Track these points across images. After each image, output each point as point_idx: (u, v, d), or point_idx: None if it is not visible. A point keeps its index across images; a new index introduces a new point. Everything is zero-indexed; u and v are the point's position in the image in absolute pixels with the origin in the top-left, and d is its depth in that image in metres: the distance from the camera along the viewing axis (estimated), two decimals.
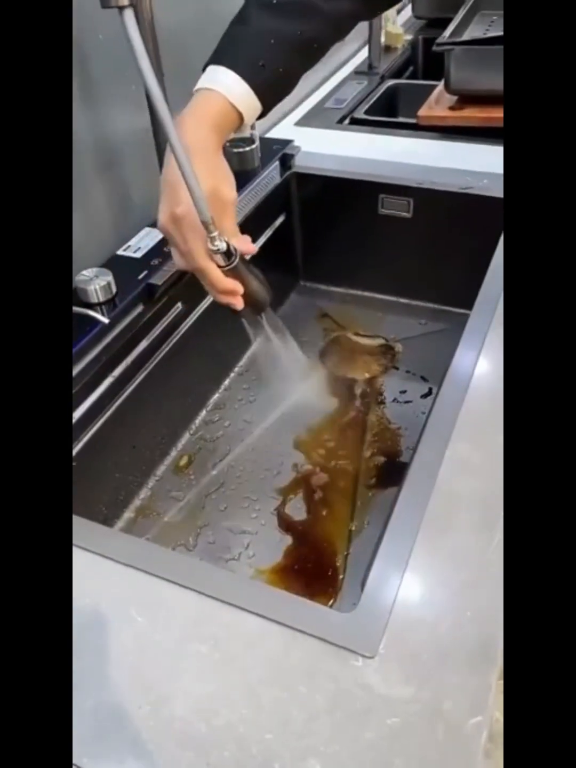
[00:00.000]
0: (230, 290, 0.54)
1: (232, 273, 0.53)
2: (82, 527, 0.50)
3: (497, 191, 0.88)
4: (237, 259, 0.53)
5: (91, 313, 0.61)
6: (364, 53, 1.41)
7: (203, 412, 0.88)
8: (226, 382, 0.92)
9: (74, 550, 0.48)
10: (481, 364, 0.63)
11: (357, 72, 1.35)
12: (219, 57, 0.56)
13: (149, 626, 0.44)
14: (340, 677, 0.41)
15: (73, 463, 0.64)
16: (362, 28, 1.45)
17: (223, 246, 0.51)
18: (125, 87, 0.78)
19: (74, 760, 0.39)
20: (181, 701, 0.41)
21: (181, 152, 0.45)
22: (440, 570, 0.47)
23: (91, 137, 0.75)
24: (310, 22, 0.59)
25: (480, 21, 1.22)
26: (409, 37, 1.51)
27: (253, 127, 0.97)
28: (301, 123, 1.14)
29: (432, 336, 0.97)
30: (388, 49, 1.45)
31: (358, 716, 0.40)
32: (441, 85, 1.20)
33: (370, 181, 0.94)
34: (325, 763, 0.38)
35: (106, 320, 0.61)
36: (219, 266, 0.52)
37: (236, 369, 0.94)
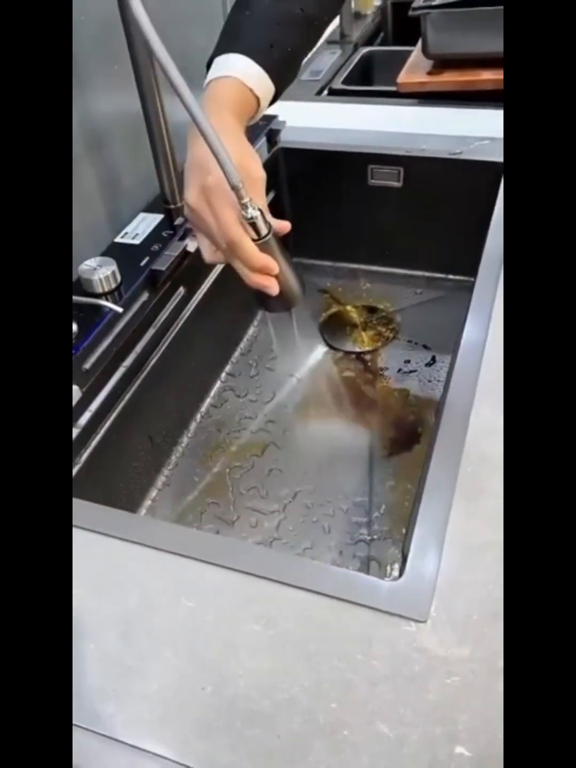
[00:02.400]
0: (265, 267, 0.50)
1: (266, 250, 0.50)
2: (123, 519, 0.50)
3: (487, 155, 0.89)
4: (271, 234, 0.50)
5: (103, 302, 0.60)
6: (334, 21, 1.39)
7: (212, 393, 0.88)
8: (233, 359, 0.92)
9: (117, 542, 0.48)
10: (493, 327, 0.64)
11: (329, 41, 1.33)
12: (228, 44, 0.55)
13: (200, 610, 0.45)
14: (396, 643, 0.42)
15: (90, 456, 0.63)
16: None
17: (256, 213, 0.48)
18: (107, 67, 0.76)
19: (142, 746, 0.39)
20: (242, 680, 0.41)
21: (205, 122, 0.43)
22: (480, 532, 0.48)
23: (79, 122, 0.73)
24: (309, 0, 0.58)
25: None
26: (377, 2, 1.50)
27: None
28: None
29: (429, 304, 0.97)
30: (357, 16, 1.43)
31: (418, 679, 0.40)
32: (417, 49, 1.19)
33: (358, 153, 0.93)
34: (393, 725, 0.39)
35: (120, 309, 0.60)
36: (252, 239, 0.49)
37: (239, 348, 0.94)
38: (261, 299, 0.55)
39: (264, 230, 0.49)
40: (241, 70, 0.53)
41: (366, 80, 1.32)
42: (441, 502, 0.50)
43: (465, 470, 0.52)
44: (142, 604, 0.45)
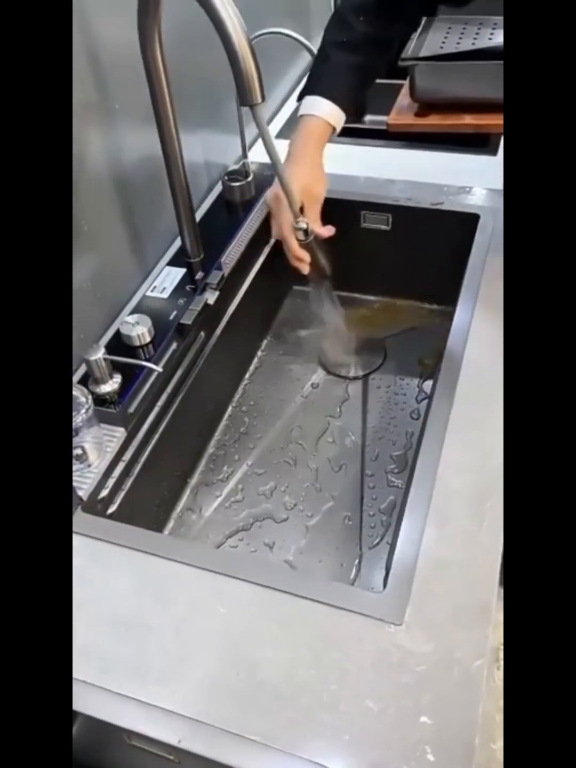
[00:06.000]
0: (301, 257, 0.82)
1: (306, 247, 0.81)
2: (170, 542, 0.64)
3: (464, 206, 1.01)
4: (311, 239, 0.81)
5: (145, 363, 0.73)
6: None
7: (226, 416, 1.01)
8: (242, 387, 1.06)
9: (166, 562, 0.62)
10: (467, 355, 0.77)
11: None
12: (315, 88, 0.83)
13: (232, 616, 0.59)
14: (379, 640, 0.57)
15: (133, 483, 0.77)
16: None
17: (303, 226, 0.78)
18: (136, 120, 0.85)
19: (196, 717, 0.54)
20: (266, 668, 0.56)
21: (280, 166, 0.71)
22: (445, 553, 0.62)
23: (112, 181, 0.83)
24: (370, 53, 0.84)
25: (438, 28, 1.31)
26: None
27: (246, 157, 1.08)
28: (280, 135, 1.24)
29: (414, 332, 1.11)
30: None
31: (395, 667, 0.55)
32: (405, 89, 1.30)
33: (352, 200, 1.06)
34: (376, 700, 0.53)
35: (159, 369, 0.73)
36: (298, 240, 0.81)
37: (246, 377, 1.07)
38: (295, 276, 0.87)
39: (307, 236, 0.80)
40: (324, 111, 0.83)
41: (359, 112, 1.43)
42: (416, 529, 0.64)
43: (436, 501, 0.66)
44: (188, 612, 0.60)
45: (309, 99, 0.83)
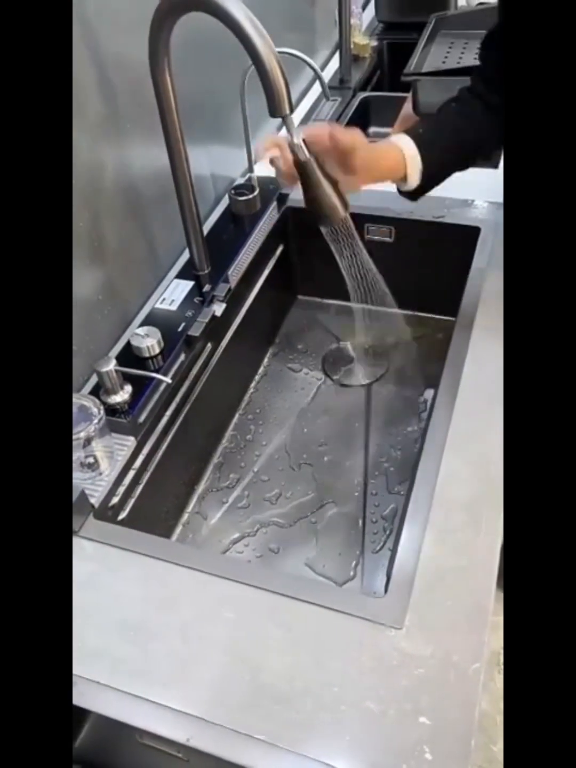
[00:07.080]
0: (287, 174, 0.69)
1: (305, 170, 0.67)
2: (178, 548, 0.66)
3: (465, 219, 1.03)
4: (307, 159, 0.66)
5: (155, 375, 0.76)
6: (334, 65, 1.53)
7: (232, 424, 1.04)
8: (247, 396, 1.08)
9: (174, 566, 0.65)
10: (463, 385, 0.79)
11: (330, 87, 1.46)
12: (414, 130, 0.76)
13: (238, 620, 0.61)
14: (380, 644, 0.59)
15: (143, 490, 0.79)
16: (331, 39, 1.56)
17: (298, 143, 0.65)
18: (147, 140, 0.88)
19: (204, 717, 0.56)
20: (270, 671, 0.58)
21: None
22: (444, 560, 0.64)
23: (123, 191, 0.86)
24: (482, 128, 0.77)
25: (441, 42, 1.34)
26: (374, 43, 1.62)
27: (252, 171, 1.10)
28: None
29: (417, 341, 1.13)
30: (356, 58, 1.55)
31: (395, 670, 0.57)
32: (408, 102, 1.33)
33: (355, 213, 1.07)
34: (376, 702, 0.55)
35: (168, 380, 0.76)
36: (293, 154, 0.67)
37: (252, 385, 1.10)
38: (316, 218, 0.73)
39: (302, 156, 0.66)
40: (406, 145, 0.74)
41: (364, 124, 1.46)
42: (416, 536, 0.66)
43: (435, 510, 0.68)
44: (195, 615, 0.62)
45: (400, 136, 0.75)
